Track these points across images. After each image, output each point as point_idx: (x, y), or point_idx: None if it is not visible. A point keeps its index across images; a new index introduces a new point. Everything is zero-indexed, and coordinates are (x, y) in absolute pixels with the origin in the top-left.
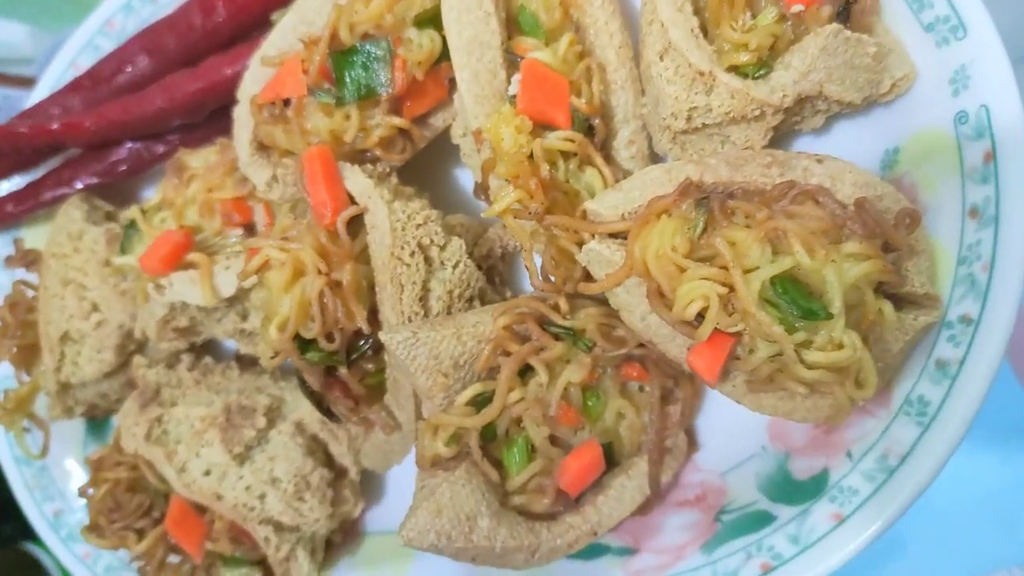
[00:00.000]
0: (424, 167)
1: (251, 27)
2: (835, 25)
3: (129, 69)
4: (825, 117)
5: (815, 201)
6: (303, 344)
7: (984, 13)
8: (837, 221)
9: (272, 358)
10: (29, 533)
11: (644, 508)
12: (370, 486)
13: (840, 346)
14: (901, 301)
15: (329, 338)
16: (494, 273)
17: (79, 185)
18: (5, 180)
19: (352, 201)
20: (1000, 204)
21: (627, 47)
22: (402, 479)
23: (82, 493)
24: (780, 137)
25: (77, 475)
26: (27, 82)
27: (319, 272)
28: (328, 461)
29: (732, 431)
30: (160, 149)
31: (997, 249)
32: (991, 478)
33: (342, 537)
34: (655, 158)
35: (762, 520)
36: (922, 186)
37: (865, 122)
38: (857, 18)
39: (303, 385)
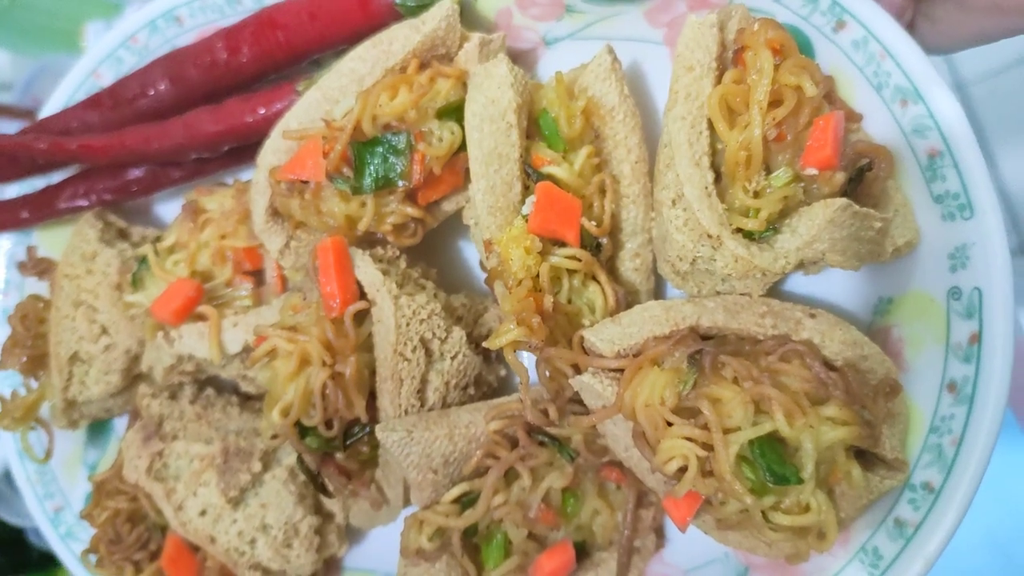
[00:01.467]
0: (430, 238)
1: (272, 71)
2: (844, 200)
3: (151, 93)
4: (823, 266)
5: (802, 361)
6: (303, 429)
7: (993, 199)
8: (821, 383)
9: (272, 438)
10: None
11: None
12: (352, 527)
13: (807, 509)
14: (871, 458)
15: (328, 425)
16: (491, 351)
17: (94, 199)
18: (15, 183)
19: (361, 291)
20: (977, 387)
21: (643, 162)
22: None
23: (84, 516)
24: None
25: (78, 475)
26: (6, 111)
27: (324, 364)
28: (317, 506)
29: (698, 533)
30: (176, 174)
31: (967, 428)
32: (990, 513)
33: (323, 572)
34: (656, 273)
35: None
36: (909, 344)
37: (863, 269)
38: (869, 183)
39: (300, 463)
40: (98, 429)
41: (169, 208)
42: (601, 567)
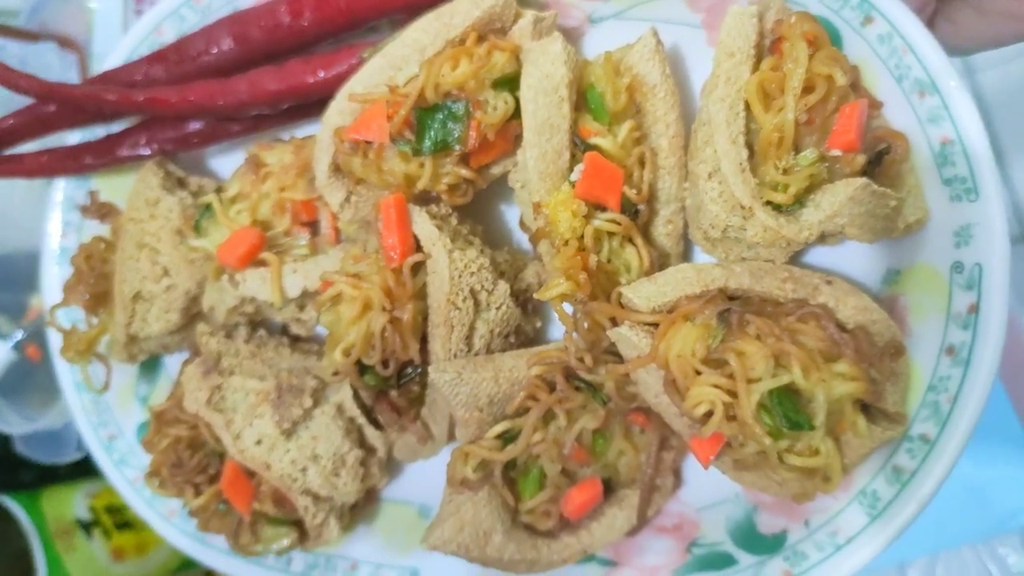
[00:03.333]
0: (476, 199)
1: (332, 35)
2: (864, 180)
3: (214, 51)
4: (840, 238)
5: (818, 322)
6: (361, 367)
7: (997, 185)
8: (834, 343)
9: (333, 375)
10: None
11: (630, 533)
12: (392, 460)
13: (816, 452)
14: (874, 412)
15: (384, 365)
16: (527, 303)
17: (156, 147)
18: (79, 130)
19: (417, 244)
20: (973, 352)
21: (680, 137)
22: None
23: (145, 443)
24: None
25: (131, 406)
26: (12, 32)
27: (384, 309)
28: (361, 441)
29: (712, 474)
30: (234, 128)
31: (963, 387)
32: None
33: (363, 501)
34: (687, 239)
35: (725, 561)
36: (913, 311)
37: (875, 242)
38: (887, 166)
39: (356, 398)
40: (150, 365)
41: (223, 161)
42: (624, 502)
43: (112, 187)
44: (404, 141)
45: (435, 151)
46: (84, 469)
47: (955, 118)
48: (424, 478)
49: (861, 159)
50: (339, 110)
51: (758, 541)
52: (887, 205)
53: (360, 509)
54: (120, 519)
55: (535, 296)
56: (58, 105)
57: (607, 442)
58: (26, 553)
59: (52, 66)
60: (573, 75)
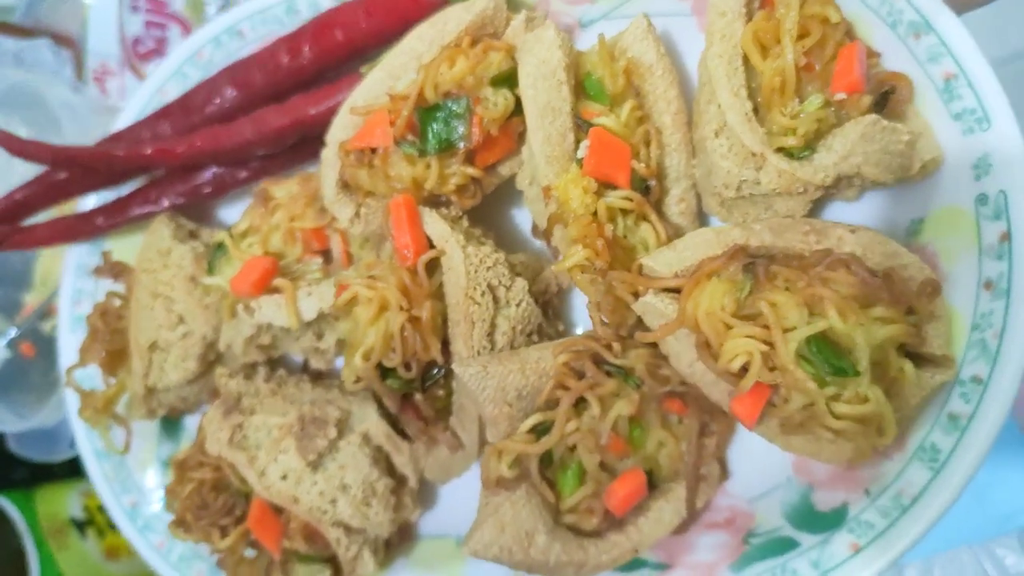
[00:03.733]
0: (486, 207)
1: (333, 70)
2: (874, 116)
3: (217, 100)
4: (859, 190)
5: (847, 268)
6: (383, 372)
7: (1008, 109)
8: (867, 287)
9: (355, 382)
10: None
11: (679, 529)
12: (425, 493)
13: (865, 400)
14: (920, 359)
15: (407, 367)
16: (548, 307)
17: (165, 203)
18: (92, 194)
19: (430, 244)
20: (1012, 280)
21: (682, 113)
22: (454, 489)
23: (168, 491)
24: (817, 204)
25: (152, 471)
26: (7, 29)
27: (401, 308)
28: (391, 470)
29: (760, 462)
30: (242, 174)
31: (1007, 319)
32: None
33: (398, 538)
34: (702, 216)
35: (787, 545)
36: (943, 256)
37: (894, 193)
38: (893, 106)
39: (379, 407)
40: (170, 428)
41: (234, 214)
42: (671, 495)
43: (125, 248)
44: (408, 143)
45: (440, 150)
46: (78, 467)
47: (955, 52)
48: (460, 508)
49: (867, 99)
50: (342, 125)
51: (818, 519)
52: (900, 140)
53: (396, 547)
54: None
55: (553, 269)
56: (69, 168)
57: (644, 432)
58: (20, 552)
59: (46, 62)
60: (569, 59)
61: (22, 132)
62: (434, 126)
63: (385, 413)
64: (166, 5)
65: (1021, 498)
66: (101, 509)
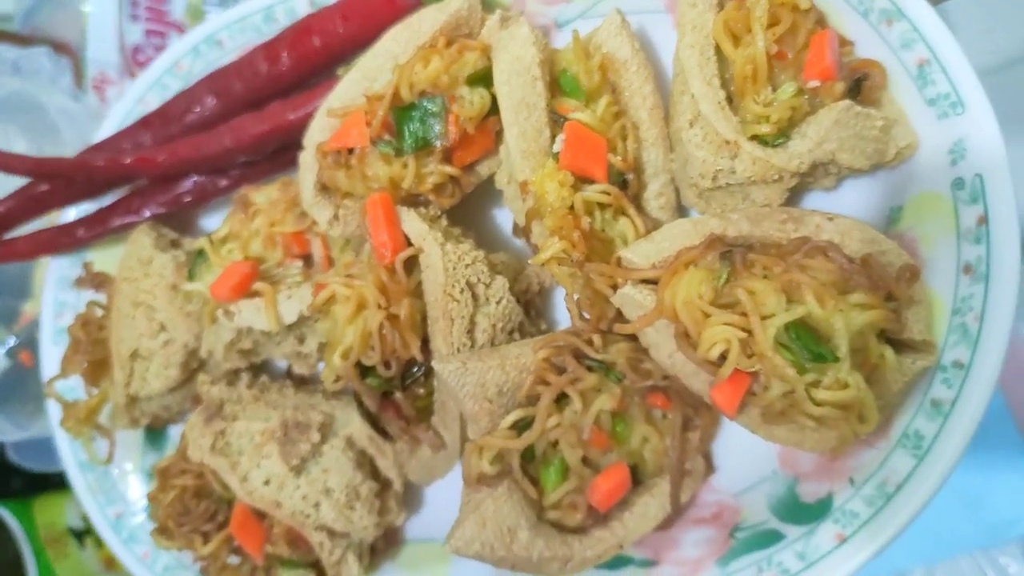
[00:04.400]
0: (467, 208)
1: (311, 76)
2: (847, 101)
3: (197, 109)
4: (836, 179)
5: (825, 255)
6: (363, 370)
7: (981, 92)
8: (845, 274)
9: (335, 381)
10: None
11: (665, 524)
12: (409, 498)
13: (845, 386)
14: (901, 346)
15: (387, 365)
16: (530, 307)
17: (147, 214)
18: (74, 206)
19: (408, 242)
20: (991, 263)
21: (658, 108)
22: (439, 492)
23: (151, 498)
24: (795, 193)
25: (137, 481)
26: (5, 37)
27: (379, 307)
28: (375, 474)
29: (745, 456)
30: (223, 183)
31: (987, 303)
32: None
33: (384, 543)
34: (682, 209)
35: (772, 538)
36: (922, 242)
37: (872, 182)
38: (867, 93)
39: (360, 406)
40: (155, 438)
41: (215, 222)
42: (655, 489)
43: (106, 259)
44: (385, 143)
45: (416, 148)
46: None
47: (927, 38)
48: (445, 512)
49: (840, 86)
50: (320, 127)
51: (803, 511)
52: (874, 126)
53: (382, 551)
54: None
55: (530, 262)
56: (49, 180)
57: (628, 426)
58: (18, 561)
59: (45, 70)
60: (543, 55)
61: (20, 140)
62: (410, 125)
63: (366, 413)
64: (166, 14)
65: (1021, 505)
66: None
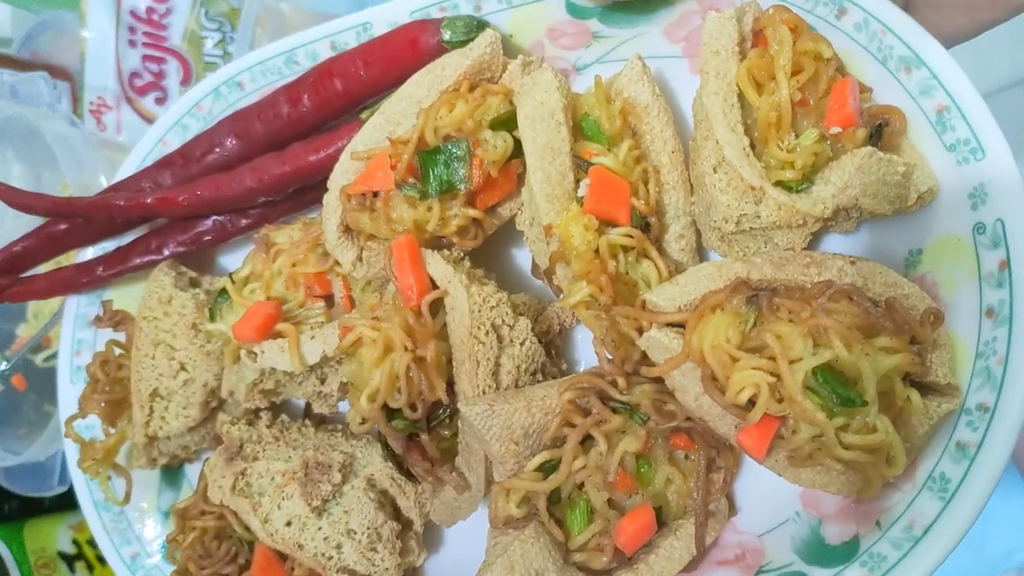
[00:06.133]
0: (486, 248)
1: (332, 118)
2: (869, 147)
3: (218, 150)
4: (857, 223)
5: (850, 299)
6: (389, 412)
7: (1001, 138)
8: (870, 318)
9: (361, 424)
10: None
11: (690, 566)
12: (429, 538)
13: (874, 429)
14: (925, 389)
15: (412, 408)
16: (551, 347)
17: (166, 252)
18: (92, 245)
19: (433, 285)
20: (1014, 306)
21: (679, 152)
22: (459, 532)
23: (170, 540)
24: (815, 238)
25: (152, 521)
26: (16, 64)
27: (406, 349)
28: (396, 514)
29: (767, 498)
30: (243, 222)
31: (1011, 346)
32: None
33: None
34: (702, 251)
35: None
36: (943, 285)
37: (891, 225)
38: (888, 139)
39: (385, 448)
40: (171, 477)
41: (235, 261)
42: (680, 531)
43: (125, 298)
44: (409, 186)
45: (441, 192)
46: (68, 500)
47: (946, 85)
48: (466, 552)
49: (862, 132)
50: (344, 170)
51: (829, 553)
52: (896, 171)
53: None
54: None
55: (558, 305)
56: (68, 219)
57: (652, 468)
58: None
59: (42, 95)
60: (567, 100)
61: (17, 166)
62: (435, 169)
63: (390, 455)
64: (164, 39)
65: (1019, 536)
66: (91, 543)
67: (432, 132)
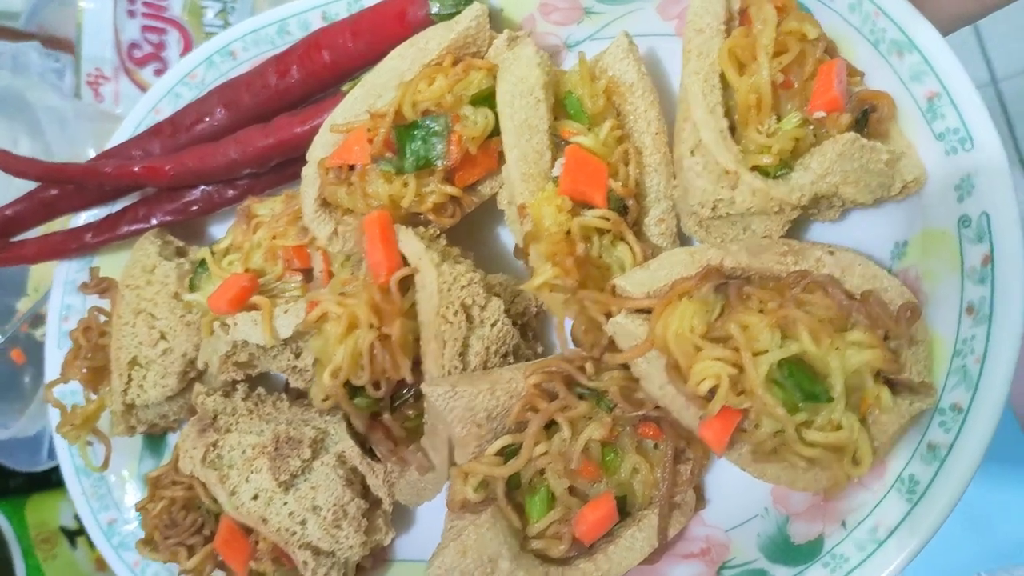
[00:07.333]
0: (470, 227)
1: (319, 90)
2: (852, 134)
3: (207, 120)
4: (840, 211)
5: (824, 291)
6: (352, 390)
7: (991, 128)
8: (844, 310)
9: (324, 400)
10: None
11: (652, 558)
12: (400, 516)
13: (839, 427)
14: (898, 386)
15: (376, 386)
16: (528, 329)
17: (154, 221)
18: (84, 211)
19: (404, 262)
20: (994, 305)
21: (663, 133)
22: (430, 512)
23: (139, 508)
24: (797, 224)
25: (132, 488)
26: (13, 34)
27: (371, 326)
28: (364, 492)
29: (738, 491)
30: (230, 193)
31: (989, 345)
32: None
33: (372, 563)
34: (683, 236)
35: None
36: (926, 279)
37: (878, 215)
38: (874, 125)
39: (349, 426)
40: (154, 445)
41: (223, 231)
42: (643, 522)
43: (115, 265)
44: (386, 161)
45: (418, 167)
46: None
47: (937, 71)
48: (436, 532)
49: (846, 118)
50: (322, 143)
51: (793, 552)
52: (879, 159)
53: (369, 570)
54: None
55: (522, 287)
56: (58, 184)
57: (618, 456)
58: (7, 560)
59: (33, 65)
60: (548, 77)
61: (3, 136)
62: (412, 144)
63: (354, 433)
64: (164, 9)
65: None
66: None
67: (410, 106)
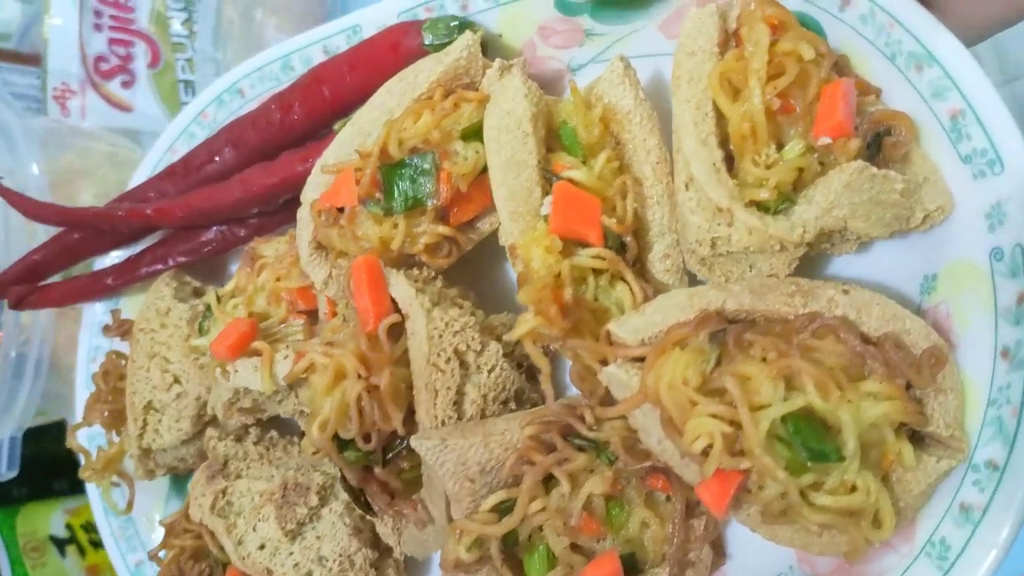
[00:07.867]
0: (475, 264)
1: (322, 126)
2: (860, 162)
3: (216, 159)
4: (856, 244)
5: (836, 335)
6: (342, 443)
7: (1022, 148)
8: (858, 357)
9: (314, 453)
10: None
11: None
12: (415, 563)
13: (853, 488)
14: (927, 440)
15: (366, 439)
16: (535, 370)
17: (171, 263)
18: (106, 255)
19: (396, 308)
20: None
21: (664, 163)
22: None
23: (152, 557)
24: (815, 260)
25: (160, 529)
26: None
27: (358, 377)
28: (375, 541)
29: (762, 547)
30: (242, 232)
31: None
32: None
33: None
34: (689, 274)
35: None
36: (957, 317)
37: (904, 245)
38: (889, 149)
39: (343, 480)
40: (179, 486)
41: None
42: None
43: (135, 305)
44: (374, 202)
45: (407, 208)
46: (75, 485)
47: (961, 86)
48: None
49: (855, 144)
50: (315, 184)
51: None
52: (893, 189)
53: None
54: (97, 537)
55: (504, 338)
56: (74, 228)
57: (624, 510)
58: None
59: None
60: (536, 109)
61: None
62: (399, 184)
63: (349, 487)
64: (131, 22)
65: None
66: (85, 528)
67: (396, 145)
